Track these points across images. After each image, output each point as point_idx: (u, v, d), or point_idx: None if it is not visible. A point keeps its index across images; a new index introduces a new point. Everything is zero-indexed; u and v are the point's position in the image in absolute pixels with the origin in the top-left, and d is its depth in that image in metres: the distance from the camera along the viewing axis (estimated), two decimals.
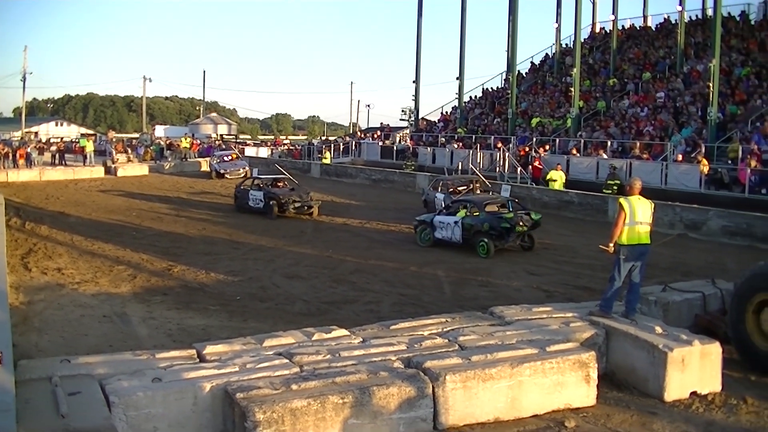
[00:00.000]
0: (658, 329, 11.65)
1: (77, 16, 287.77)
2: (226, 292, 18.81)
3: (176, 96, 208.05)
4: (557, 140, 47.74)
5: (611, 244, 12.65)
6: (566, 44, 63.99)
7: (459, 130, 58.74)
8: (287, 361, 10.14)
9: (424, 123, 67.03)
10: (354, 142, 68.42)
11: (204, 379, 9.33)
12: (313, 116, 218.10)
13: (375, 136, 69.86)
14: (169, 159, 67.61)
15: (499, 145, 48.36)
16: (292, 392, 8.97)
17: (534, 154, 44.59)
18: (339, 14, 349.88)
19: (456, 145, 53.65)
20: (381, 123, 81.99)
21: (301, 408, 8.72)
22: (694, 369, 10.97)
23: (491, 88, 66.39)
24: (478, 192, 31.00)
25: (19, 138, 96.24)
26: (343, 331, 11.79)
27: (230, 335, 13.22)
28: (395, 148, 60.92)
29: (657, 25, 61.67)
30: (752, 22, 53.12)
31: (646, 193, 13.22)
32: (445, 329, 12.03)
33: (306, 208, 33.56)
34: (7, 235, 23.87)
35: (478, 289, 19.33)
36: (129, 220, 31.75)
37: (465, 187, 32.44)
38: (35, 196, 39.67)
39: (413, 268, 21.90)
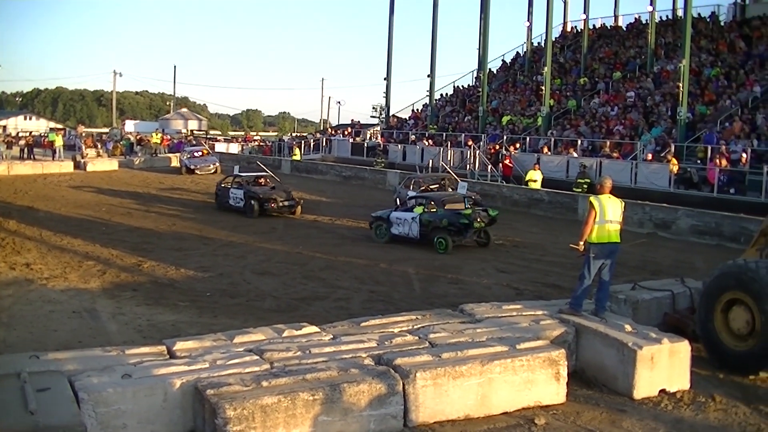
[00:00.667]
0: (628, 327, 11.71)
1: (46, 9, 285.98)
2: (197, 288, 18.74)
3: (146, 91, 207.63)
4: (528, 138, 47.94)
5: (581, 243, 12.69)
6: (537, 43, 64.32)
7: (430, 127, 58.81)
8: (258, 357, 10.11)
9: (395, 120, 67.12)
10: (325, 139, 68.31)
11: (174, 375, 9.28)
12: (284, 112, 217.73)
13: (346, 132, 69.79)
14: (139, 154, 67.38)
15: (470, 142, 48.52)
16: (262, 389, 8.95)
17: (504, 152, 44.68)
18: (310, 10, 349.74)
19: (427, 143, 53.73)
20: (352, 120, 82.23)
21: (272, 405, 8.70)
22: (663, 367, 11.03)
23: (462, 86, 66.61)
24: (450, 190, 30.35)
25: None
26: (314, 328, 11.78)
27: (200, 331, 13.19)
28: (366, 145, 60.89)
29: (628, 24, 62.15)
30: (722, 24, 53.68)
31: (615, 191, 13.26)
32: (415, 326, 12.04)
33: (288, 206, 32.67)
34: None
35: (448, 286, 19.35)
36: (98, 215, 31.56)
37: (437, 185, 31.99)
38: (3, 190, 39.28)
39: (383, 265, 21.90)
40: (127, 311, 16.27)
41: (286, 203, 32.65)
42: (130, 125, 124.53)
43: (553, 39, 56.90)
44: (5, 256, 21.94)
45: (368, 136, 67.27)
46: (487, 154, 45.78)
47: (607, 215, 12.56)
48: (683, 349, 11.29)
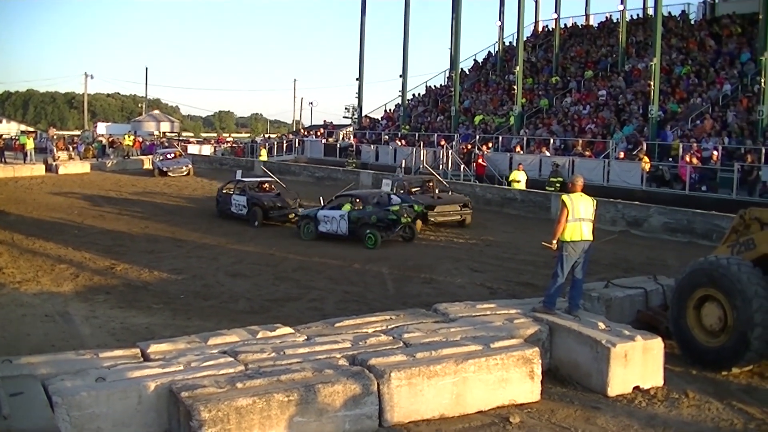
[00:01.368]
0: (601, 325, 11.75)
1: (16, 11, 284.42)
2: (170, 291, 18.70)
3: (118, 93, 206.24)
4: (500, 138, 48.00)
5: (554, 241, 12.73)
6: (509, 42, 64.35)
7: (402, 127, 58.83)
8: (232, 359, 10.10)
9: (368, 120, 67.07)
10: (297, 140, 68.20)
11: (148, 378, 9.25)
12: (256, 114, 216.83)
13: (318, 133, 69.69)
14: (112, 157, 67.04)
15: (443, 142, 48.60)
16: (237, 390, 8.94)
17: (477, 151, 44.73)
18: (282, 11, 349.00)
19: (399, 143, 53.72)
20: (324, 120, 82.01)
21: (247, 406, 8.69)
22: (637, 364, 11.09)
23: (434, 85, 66.65)
24: (436, 192, 30.67)
25: None
26: (288, 329, 11.77)
27: (174, 334, 13.16)
28: (338, 145, 60.77)
29: (599, 23, 62.38)
30: (692, 22, 54.04)
31: (588, 190, 13.32)
32: (389, 326, 12.04)
33: (294, 214, 30.16)
34: None
35: (421, 286, 19.39)
36: (71, 218, 31.44)
37: (419, 188, 31.58)
38: None
39: (357, 266, 21.92)
40: (100, 314, 16.22)
41: (290, 210, 30.59)
42: (101, 128, 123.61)
43: (525, 38, 56.96)
44: None
45: (341, 136, 67.23)
46: (459, 153, 45.83)
47: (579, 213, 12.60)
48: (656, 346, 11.35)
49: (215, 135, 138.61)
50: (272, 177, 35.15)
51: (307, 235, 27.03)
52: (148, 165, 57.76)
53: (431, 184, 31.68)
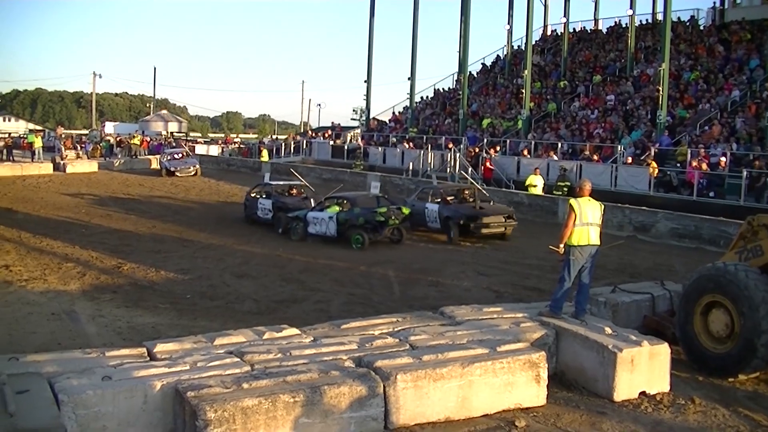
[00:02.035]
0: (608, 330, 11.73)
1: (25, 10, 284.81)
2: (176, 291, 18.70)
3: (126, 93, 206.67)
4: (508, 141, 48.00)
5: (561, 245, 12.72)
6: (518, 46, 64.39)
7: (410, 130, 58.88)
8: (238, 359, 10.10)
9: (375, 123, 67.08)
10: (305, 141, 68.23)
11: (154, 377, 9.25)
12: (264, 115, 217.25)
13: (326, 135, 69.72)
14: (119, 156, 67.13)
15: (450, 145, 48.50)
16: (243, 391, 8.93)
17: (485, 155, 44.70)
18: (291, 12, 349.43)
19: (407, 146, 53.71)
20: (332, 122, 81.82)
21: (252, 407, 8.68)
22: (643, 369, 11.06)
23: (443, 88, 66.66)
24: (477, 201, 28.44)
25: None
26: (294, 330, 11.76)
27: (180, 334, 13.15)
28: (346, 147, 60.78)
29: (608, 28, 62.36)
30: (701, 28, 53.98)
31: (595, 194, 13.32)
32: (395, 329, 12.03)
33: None
34: None
35: (427, 288, 19.37)
36: (78, 217, 31.48)
37: (455, 197, 29.65)
38: None
39: (363, 268, 21.90)
40: (106, 313, 16.21)
41: None
42: (109, 127, 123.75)
43: (533, 42, 57.11)
44: None
45: (348, 138, 67.23)
46: (467, 156, 45.79)
47: (587, 218, 12.58)
48: (663, 351, 11.32)
49: (223, 135, 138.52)
50: (301, 180, 33.94)
51: (295, 235, 27.29)
52: (155, 165, 57.78)
53: (467, 192, 29.93)
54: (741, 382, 11.96)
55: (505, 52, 65.21)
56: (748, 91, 40.64)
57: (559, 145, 43.43)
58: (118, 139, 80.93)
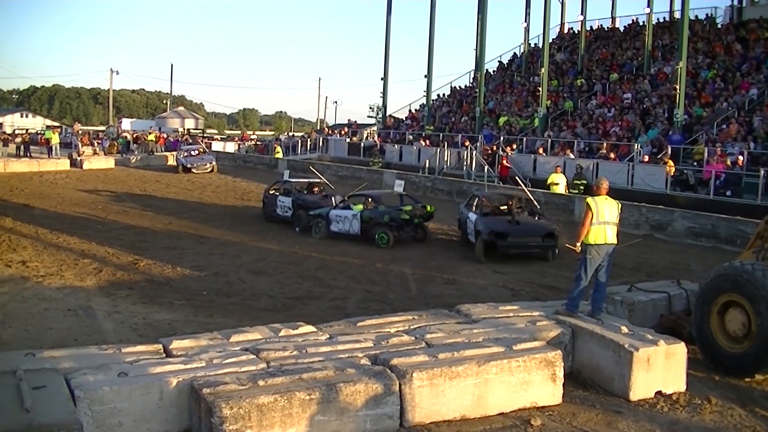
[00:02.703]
0: (624, 329, 11.71)
1: (43, 7, 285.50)
2: (192, 287, 18.72)
3: (143, 89, 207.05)
4: (524, 139, 47.90)
5: (578, 244, 12.71)
6: (534, 44, 64.31)
7: (426, 128, 58.79)
8: (254, 356, 10.11)
9: (392, 120, 66.98)
10: (321, 138, 68.23)
11: (170, 374, 9.28)
12: (281, 112, 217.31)
13: (342, 132, 69.72)
14: (136, 152, 67.29)
15: (466, 143, 48.43)
16: (258, 388, 8.94)
17: (501, 153, 44.61)
18: (308, 10, 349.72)
19: (423, 143, 53.63)
20: (348, 119, 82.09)
21: (268, 404, 8.69)
22: (659, 369, 11.04)
23: (459, 86, 66.57)
24: (516, 213, 24.66)
25: None
26: (310, 328, 11.78)
27: (196, 330, 13.18)
28: (362, 145, 60.71)
29: (625, 26, 62.14)
30: (718, 26, 53.70)
31: (612, 193, 13.30)
32: (411, 327, 12.03)
33: None
34: None
35: (443, 286, 19.36)
36: (94, 213, 31.54)
37: (508, 205, 25.52)
38: None
39: (379, 265, 21.91)
40: (122, 309, 16.25)
41: None
42: (126, 123, 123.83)
43: (550, 40, 57.06)
44: (1, 253, 21.90)
45: (365, 136, 67.21)
46: (483, 154, 45.73)
47: (604, 216, 12.57)
48: (679, 350, 11.30)
49: (239, 132, 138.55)
50: (321, 178, 33.40)
51: (317, 233, 27.05)
52: (172, 161, 57.90)
53: (512, 203, 25.54)
54: (758, 381, 11.93)
55: (522, 50, 65.04)
56: (765, 89, 40.42)
57: (576, 143, 43.31)
58: (134, 135, 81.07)
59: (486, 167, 43.58)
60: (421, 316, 12.86)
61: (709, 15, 55.46)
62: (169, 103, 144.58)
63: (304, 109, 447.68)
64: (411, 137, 57.85)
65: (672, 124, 39.82)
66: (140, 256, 22.30)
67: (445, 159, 47.77)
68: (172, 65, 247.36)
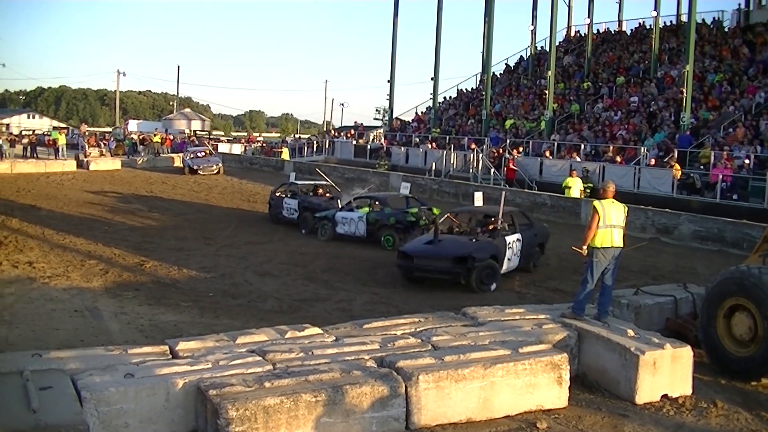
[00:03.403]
0: (630, 332, 11.71)
1: (50, 8, 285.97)
2: (198, 289, 18.76)
3: (149, 91, 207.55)
4: (531, 142, 47.88)
5: (584, 247, 12.71)
6: (541, 47, 64.16)
7: (433, 130, 58.77)
8: (260, 358, 10.13)
9: (398, 123, 66.95)
10: (327, 140, 68.22)
11: (176, 375, 9.29)
12: (287, 114, 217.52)
13: (349, 134, 69.73)
14: (142, 154, 67.37)
15: (473, 146, 48.45)
16: (265, 390, 8.95)
17: (508, 155, 44.59)
18: (314, 12, 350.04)
19: (430, 146, 53.66)
20: (355, 122, 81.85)
21: (274, 405, 8.71)
22: (666, 372, 11.03)
23: (466, 89, 66.52)
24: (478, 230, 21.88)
25: None
26: (316, 330, 11.79)
27: (202, 332, 13.22)
28: (369, 147, 60.71)
29: (632, 29, 62.09)
30: (725, 29, 53.57)
31: (618, 196, 13.31)
32: (417, 329, 12.04)
33: None
34: None
35: (450, 289, 19.32)
36: (101, 214, 31.60)
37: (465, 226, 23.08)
38: (6, 188, 39.29)
39: (385, 268, 21.90)
40: (129, 311, 16.30)
41: None
42: (132, 125, 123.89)
43: (557, 43, 56.94)
44: (8, 254, 21.95)
45: (371, 138, 67.19)
46: (490, 157, 45.72)
47: (611, 220, 12.57)
48: (685, 354, 11.29)
49: (246, 134, 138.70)
50: (327, 180, 33.50)
51: (323, 235, 26.98)
52: (178, 163, 57.95)
53: (470, 221, 23.33)
54: (764, 385, 11.91)
55: (528, 53, 64.94)
56: None
57: (582, 146, 43.28)
58: (141, 137, 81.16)
59: (492, 170, 43.61)
60: (428, 318, 12.86)
61: (717, 18, 55.39)
62: (175, 104, 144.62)
63: (310, 111, 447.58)
64: (417, 140, 57.86)
65: (678, 128, 39.75)
66: (146, 257, 22.35)
67: (452, 162, 47.79)
68: (178, 67, 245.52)
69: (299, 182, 32.96)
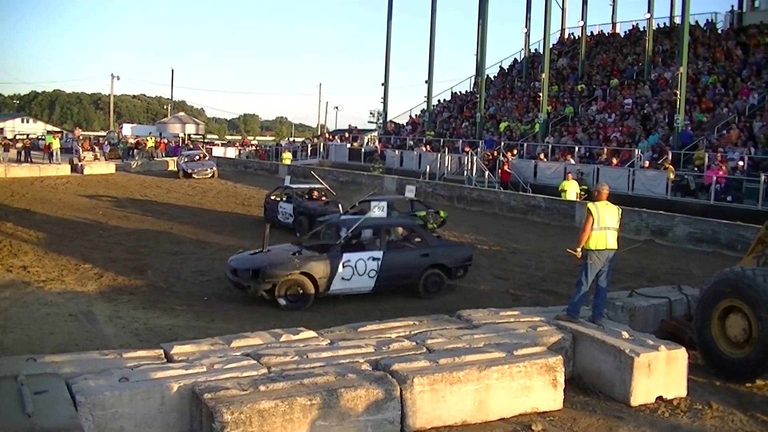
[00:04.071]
0: (625, 334, 11.72)
1: (45, 12, 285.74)
2: (193, 292, 18.76)
3: (143, 94, 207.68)
4: (525, 145, 47.91)
5: (579, 249, 12.72)
6: (535, 49, 64.25)
7: (427, 133, 58.82)
8: (255, 362, 10.13)
9: (393, 126, 66.99)
10: (322, 144, 68.23)
11: (171, 379, 9.30)
12: (281, 117, 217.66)
13: (343, 137, 69.74)
14: (137, 158, 67.33)
15: (467, 149, 48.49)
16: (259, 393, 8.96)
17: (502, 158, 44.61)
18: (308, 15, 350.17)
19: (424, 149, 53.69)
20: (349, 125, 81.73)
21: (269, 409, 8.71)
22: (660, 374, 11.05)
23: (460, 91, 66.60)
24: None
25: None
26: (311, 333, 11.80)
27: (197, 335, 13.22)
28: (363, 150, 60.71)
29: (625, 32, 62.18)
30: (719, 31, 53.66)
31: (612, 198, 13.33)
32: (412, 332, 12.05)
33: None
34: None
35: (445, 292, 19.32)
36: (95, 218, 31.52)
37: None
38: (0, 193, 39.19)
39: None
40: (124, 315, 16.29)
41: None
42: (127, 129, 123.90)
43: (551, 46, 57.03)
44: (2, 258, 21.93)
45: (365, 141, 67.18)
46: (484, 160, 45.75)
47: (605, 222, 12.59)
48: (680, 356, 11.31)
49: (240, 138, 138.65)
50: (322, 184, 32.61)
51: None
52: (172, 167, 57.96)
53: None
54: (759, 387, 11.94)
55: (522, 56, 65.05)
56: (766, 94, 40.39)
57: (577, 148, 43.33)
58: (136, 141, 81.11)
59: (487, 173, 43.64)
60: (422, 321, 12.87)
61: (710, 20, 55.45)
62: (169, 108, 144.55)
63: (304, 114, 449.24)
64: (412, 143, 57.98)
65: (672, 130, 39.78)
66: (141, 261, 22.33)
67: (446, 164, 47.84)
68: (172, 71, 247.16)
69: (294, 186, 32.59)
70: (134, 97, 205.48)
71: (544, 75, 49.79)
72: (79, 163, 55.17)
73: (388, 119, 68.14)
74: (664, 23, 58.16)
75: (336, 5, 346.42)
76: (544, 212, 34.24)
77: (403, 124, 67.04)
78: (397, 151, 56.35)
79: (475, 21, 62.03)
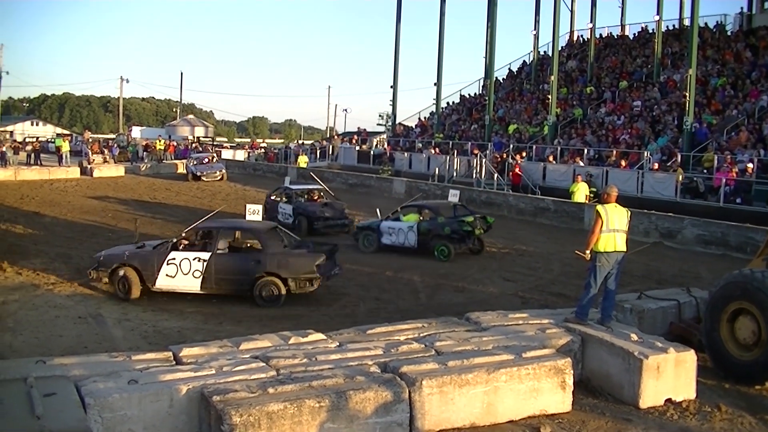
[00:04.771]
0: (634, 336, 11.70)
1: (54, 15, 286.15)
2: (202, 295, 18.75)
3: (153, 97, 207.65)
4: (534, 147, 47.86)
5: (587, 251, 12.69)
6: (544, 52, 64.16)
7: (436, 135, 58.76)
8: (264, 364, 10.13)
9: (401, 128, 66.97)
10: (331, 146, 68.22)
11: (180, 381, 9.30)
12: (290, 120, 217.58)
13: (352, 140, 69.75)
14: (146, 160, 67.42)
15: (476, 151, 48.42)
16: (268, 395, 8.96)
17: (512, 161, 44.57)
18: (317, 18, 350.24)
19: (433, 151, 53.63)
20: (358, 127, 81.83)
21: (278, 411, 8.70)
22: (669, 376, 11.02)
23: (469, 94, 66.50)
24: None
25: None
26: (320, 335, 11.79)
27: (206, 338, 13.20)
28: (372, 152, 60.73)
29: (634, 34, 62.05)
30: (728, 33, 53.48)
31: (621, 201, 13.29)
32: (421, 334, 12.03)
33: (341, 225, 29.98)
34: None
35: (453, 294, 19.36)
36: (104, 221, 31.57)
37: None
38: (10, 195, 39.31)
39: (389, 273, 21.91)
40: (132, 317, 16.33)
41: (337, 221, 30.08)
42: (136, 131, 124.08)
43: (560, 48, 56.97)
44: (12, 260, 21.91)
45: (374, 143, 67.18)
46: (493, 162, 45.71)
47: (614, 224, 12.56)
48: (689, 358, 11.29)
49: (249, 140, 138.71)
50: (322, 185, 33.26)
51: (367, 246, 26.05)
52: (181, 169, 58.07)
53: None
54: (767, 389, 11.90)
55: (531, 58, 64.90)
56: None
57: (585, 151, 43.27)
58: (145, 143, 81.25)
59: (496, 175, 43.59)
60: (431, 323, 12.86)
61: (719, 22, 55.32)
62: (178, 111, 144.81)
63: (313, 117, 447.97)
64: (420, 145, 57.92)
65: (682, 132, 39.70)
66: None
67: (455, 167, 47.79)
68: (181, 73, 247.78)
69: (294, 187, 32.93)
70: (143, 99, 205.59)
71: (552, 77, 49.74)
72: (89, 166, 55.38)
73: (397, 122, 68.12)
74: (674, 25, 58.04)
75: (345, 8, 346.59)
76: (552, 214, 34.23)
77: (412, 127, 66.98)
78: (406, 154, 56.30)
79: (483, 23, 62.12)
